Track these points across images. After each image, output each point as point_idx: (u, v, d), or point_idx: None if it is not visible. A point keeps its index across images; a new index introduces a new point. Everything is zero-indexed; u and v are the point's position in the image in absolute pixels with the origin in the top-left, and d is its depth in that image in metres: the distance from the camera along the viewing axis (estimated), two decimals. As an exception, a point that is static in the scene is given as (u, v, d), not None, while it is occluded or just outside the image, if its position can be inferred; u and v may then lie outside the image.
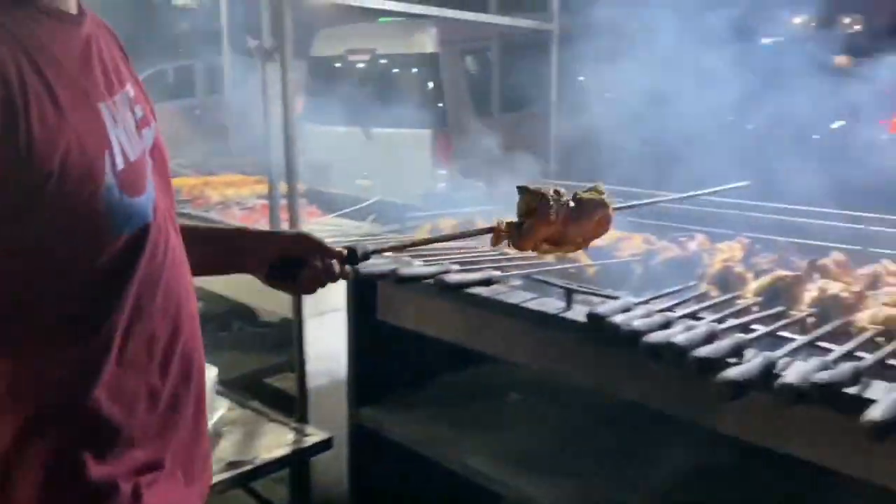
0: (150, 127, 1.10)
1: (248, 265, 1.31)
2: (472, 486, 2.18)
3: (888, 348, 1.46)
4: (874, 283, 1.86)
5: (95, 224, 0.93)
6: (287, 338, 2.84)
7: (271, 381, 3.87)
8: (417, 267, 2.01)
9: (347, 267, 1.32)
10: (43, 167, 0.87)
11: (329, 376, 2.81)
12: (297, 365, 2.55)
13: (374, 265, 1.94)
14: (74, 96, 0.92)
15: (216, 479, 2.12)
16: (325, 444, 2.34)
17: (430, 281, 1.94)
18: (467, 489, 2.25)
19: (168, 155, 1.17)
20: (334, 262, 1.29)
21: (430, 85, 6.39)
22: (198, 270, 1.18)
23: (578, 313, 1.72)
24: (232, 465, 2.17)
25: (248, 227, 1.34)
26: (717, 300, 1.73)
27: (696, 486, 2.02)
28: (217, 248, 1.32)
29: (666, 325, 1.49)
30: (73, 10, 1.01)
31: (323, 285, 1.30)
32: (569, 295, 1.79)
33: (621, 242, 2.20)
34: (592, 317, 1.52)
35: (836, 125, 7.46)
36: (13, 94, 0.84)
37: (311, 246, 1.29)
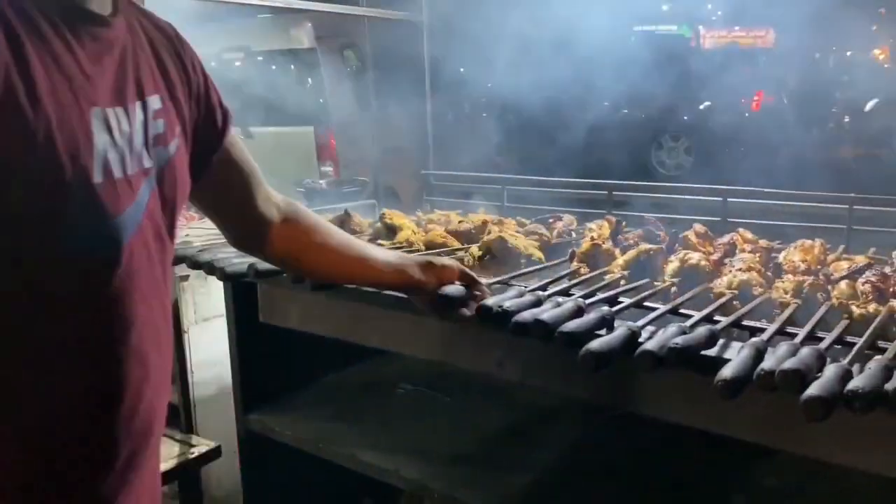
0: (168, 145, 1.01)
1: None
2: (367, 481, 2.18)
3: (742, 310, 1.55)
4: (731, 251, 1.97)
5: (51, 239, 0.83)
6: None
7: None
8: None
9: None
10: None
11: (216, 384, 2.73)
12: (178, 374, 2.47)
13: (235, 264, 1.90)
14: (57, 94, 0.83)
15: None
16: (213, 453, 2.28)
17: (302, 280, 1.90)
18: (364, 484, 2.25)
19: (184, 181, 1.07)
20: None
21: (310, 81, 6.31)
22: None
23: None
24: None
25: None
26: (585, 276, 1.79)
27: (585, 459, 2.09)
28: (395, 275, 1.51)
29: (537, 303, 1.52)
30: (106, 10, 0.93)
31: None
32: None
33: (492, 226, 2.24)
34: (483, 308, 1.52)
35: (703, 106, 7.87)
36: None
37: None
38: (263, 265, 1.84)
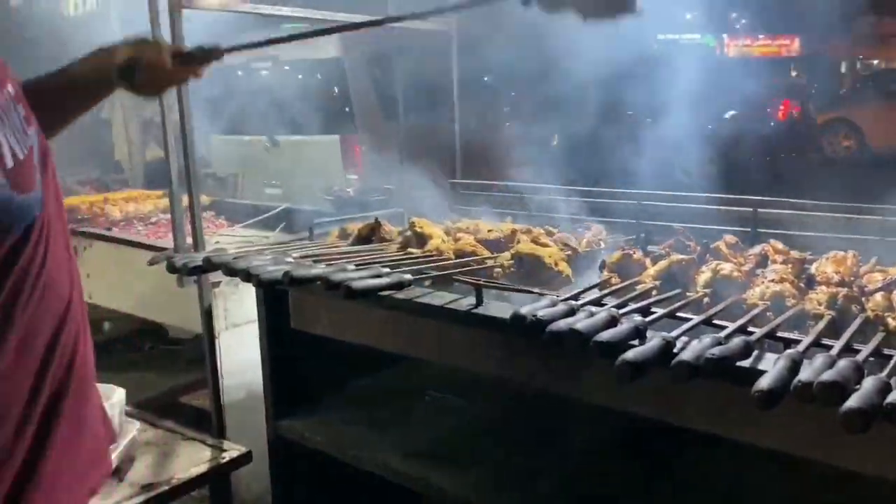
0: (33, 125, 1.10)
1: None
2: (395, 486, 2.19)
3: (776, 321, 1.55)
4: (762, 262, 1.97)
5: None
6: (201, 354, 2.78)
7: (188, 400, 3.79)
8: (310, 268, 1.97)
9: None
10: None
11: (247, 389, 2.77)
12: (210, 380, 2.50)
13: (270, 272, 1.92)
14: None
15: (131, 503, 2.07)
16: (244, 459, 2.30)
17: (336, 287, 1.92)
18: (391, 490, 2.26)
19: (52, 154, 1.17)
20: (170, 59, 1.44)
21: (336, 90, 6.36)
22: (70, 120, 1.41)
23: (489, 309, 1.76)
24: (146, 487, 2.11)
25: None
26: (617, 286, 1.80)
27: (608, 466, 2.09)
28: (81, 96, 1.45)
29: (570, 313, 1.53)
30: None
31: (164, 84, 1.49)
32: (478, 292, 1.82)
33: (521, 235, 2.25)
34: (516, 317, 1.53)
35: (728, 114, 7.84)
36: None
37: (145, 47, 1.42)
38: (298, 272, 1.87)
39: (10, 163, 0.98)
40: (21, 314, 1.00)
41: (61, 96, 1.40)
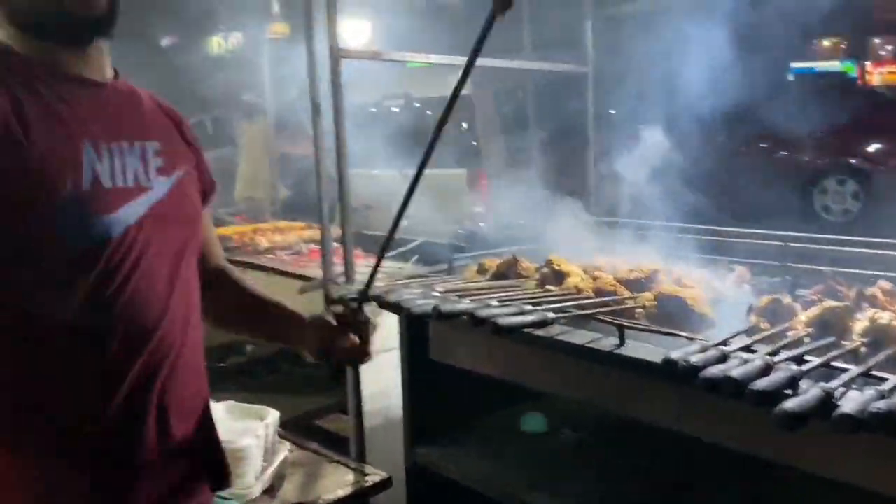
0: (170, 176, 1.30)
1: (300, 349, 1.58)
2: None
3: (942, 376, 1.49)
4: (924, 310, 1.88)
5: (46, 228, 1.11)
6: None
7: (322, 423, 3.95)
8: (456, 303, 2.05)
9: (368, 317, 1.56)
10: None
11: (382, 416, 2.87)
12: (354, 405, 2.62)
13: (419, 305, 2.01)
14: (50, 131, 1.13)
15: (281, 520, 2.19)
16: (385, 484, 2.39)
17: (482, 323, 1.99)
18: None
19: (194, 202, 1.38)
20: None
21: (464, 125, 6.53)
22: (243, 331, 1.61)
23: (635, 351, 1.78)
24: (297, 506, 2.23)
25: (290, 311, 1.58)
26: (768, 333, 1.78)
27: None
28: (272, 327, 1.58)
29: (722, 359, 1.53)
30: (99, 78, 1.25)
31: (360, 356, 1.54)
32: (621, 332, 1.84)
33: (662, 276, 2.25)
34: (668, 362, 1.54)
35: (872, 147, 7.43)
36: None
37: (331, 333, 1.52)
38: (445, 307, 1.96)
39: (87, 185, 1.15)
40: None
41: (251, 319, 1.59)
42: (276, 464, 2.30)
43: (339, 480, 2.38)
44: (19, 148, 1.10)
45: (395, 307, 2.00)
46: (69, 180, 1.13)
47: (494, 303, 1.97)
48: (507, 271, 2.53)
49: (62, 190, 1.12)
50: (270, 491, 2.26)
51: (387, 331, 2.79)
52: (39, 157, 1.11)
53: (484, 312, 1.83)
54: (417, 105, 6.92)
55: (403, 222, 1.61)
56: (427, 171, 1.54)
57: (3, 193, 1.08)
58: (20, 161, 1.10)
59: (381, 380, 2.79)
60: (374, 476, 2.40)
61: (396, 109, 6.96)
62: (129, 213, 1.20)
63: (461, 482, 2.40)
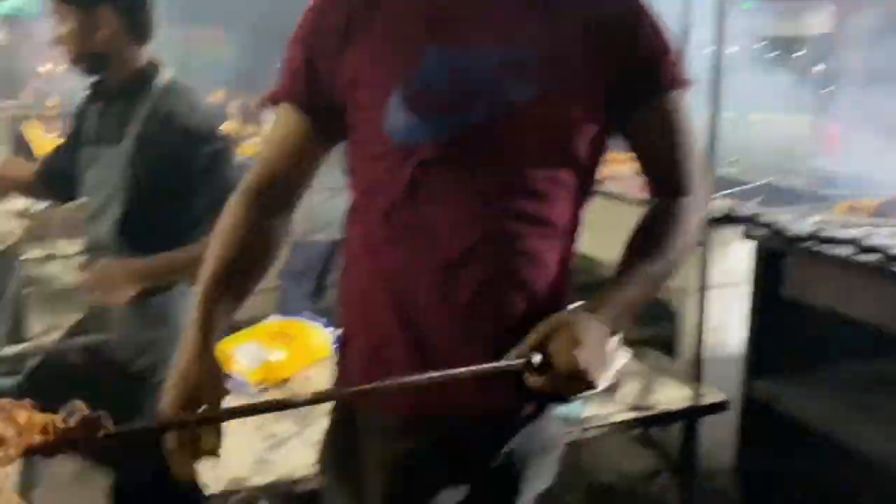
0: (531, 81, 1.10)
1: None
2: (868, 472, 2.12)
3: None
4: None
5: (379, 122, 1.13)
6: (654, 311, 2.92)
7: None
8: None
9: None
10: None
11: (722, 348, 2.86)
12: (697, 329, 2.64)
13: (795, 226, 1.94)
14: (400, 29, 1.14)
15: (619, 418, 2.34)
16: (720, 406, 2.42)
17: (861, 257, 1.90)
18: (863, 476, 2.19)
19: (559, 119, 1.14)
20: None
21: (819, 68, 5.99)
22: None
23: None
24: (634, 408, 2.36)
25: None
26: None
27: None
28: None
29: None
30: None
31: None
32: None
33: None
34: None
35: None
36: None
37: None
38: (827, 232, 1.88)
39: (419, 86, 1.10)
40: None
41: None
42: (618, 365, 2.44)
43: (674, 395, 2.46)
44: (370, 41, 1.16)
45: (764, 227, 1.98)
46: (402, 81, 1.16)
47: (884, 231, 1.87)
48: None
49: (393, 86, 1.16)
50: (612, 389, 2.41)
51: (729, 265, 2.77)
52: (380, 52, 1.17)
53: (875, 241, 1.76)
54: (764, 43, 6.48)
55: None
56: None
57: None
58: (368, 52, 1.17)
59: (723, 312, 2.78)
60: (711, 397, 2.45)
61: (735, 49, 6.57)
62: (451, 117, 1.16)
63: (800, 420, 2.36)
